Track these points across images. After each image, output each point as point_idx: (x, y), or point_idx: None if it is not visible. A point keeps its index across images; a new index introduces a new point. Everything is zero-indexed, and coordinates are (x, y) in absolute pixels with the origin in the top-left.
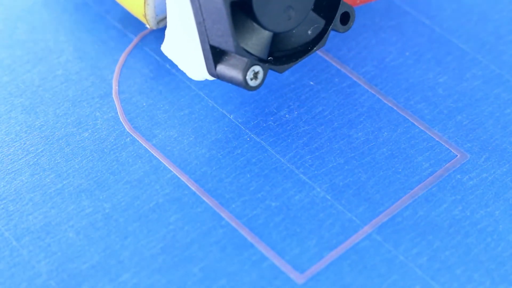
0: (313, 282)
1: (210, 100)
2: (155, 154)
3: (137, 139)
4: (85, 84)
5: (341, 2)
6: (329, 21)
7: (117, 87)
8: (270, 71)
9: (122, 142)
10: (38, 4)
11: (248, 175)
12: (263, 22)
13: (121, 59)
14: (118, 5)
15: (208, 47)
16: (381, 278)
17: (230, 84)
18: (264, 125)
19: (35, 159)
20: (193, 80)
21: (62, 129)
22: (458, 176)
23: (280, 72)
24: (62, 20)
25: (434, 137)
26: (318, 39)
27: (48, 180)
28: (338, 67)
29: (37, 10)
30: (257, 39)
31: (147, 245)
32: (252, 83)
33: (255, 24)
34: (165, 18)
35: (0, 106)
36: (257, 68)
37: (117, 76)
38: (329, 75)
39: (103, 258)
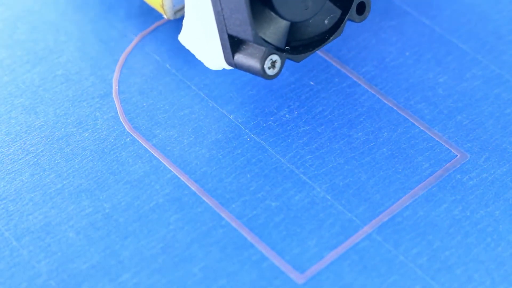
0: (313, 282)
1: (210, 100)
2: (155, 154)
3: (137, 139)
4: (85, 84)
5: None
6: (345, 11)
7: (117, 87)
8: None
9: (122, 142)
10: (38, 4)
11: (248, 175)
12: (281, 11)
13: (121, 59)
14: (118, 4)
15: (226, 36)
16: (381, 278)
17: (230, 85)
18: (264, 125)
19: (35, 159)
20: (193, 80)
21: (62, 129)
22: (458, 176)
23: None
24: (62, 20)
25: (434, 137)
26: (334, 28)
27: (48, 180)
28: (338, 67)
29: (37, 10)
30: (275, 29)
31: (147, 245)
32: (270, 72)
33: (273, 14)
34: (182, 8)
35: (0, 106)
36: (274, 57)
37: (117, 76)
38: (329, 75)
39: (103, 258)
